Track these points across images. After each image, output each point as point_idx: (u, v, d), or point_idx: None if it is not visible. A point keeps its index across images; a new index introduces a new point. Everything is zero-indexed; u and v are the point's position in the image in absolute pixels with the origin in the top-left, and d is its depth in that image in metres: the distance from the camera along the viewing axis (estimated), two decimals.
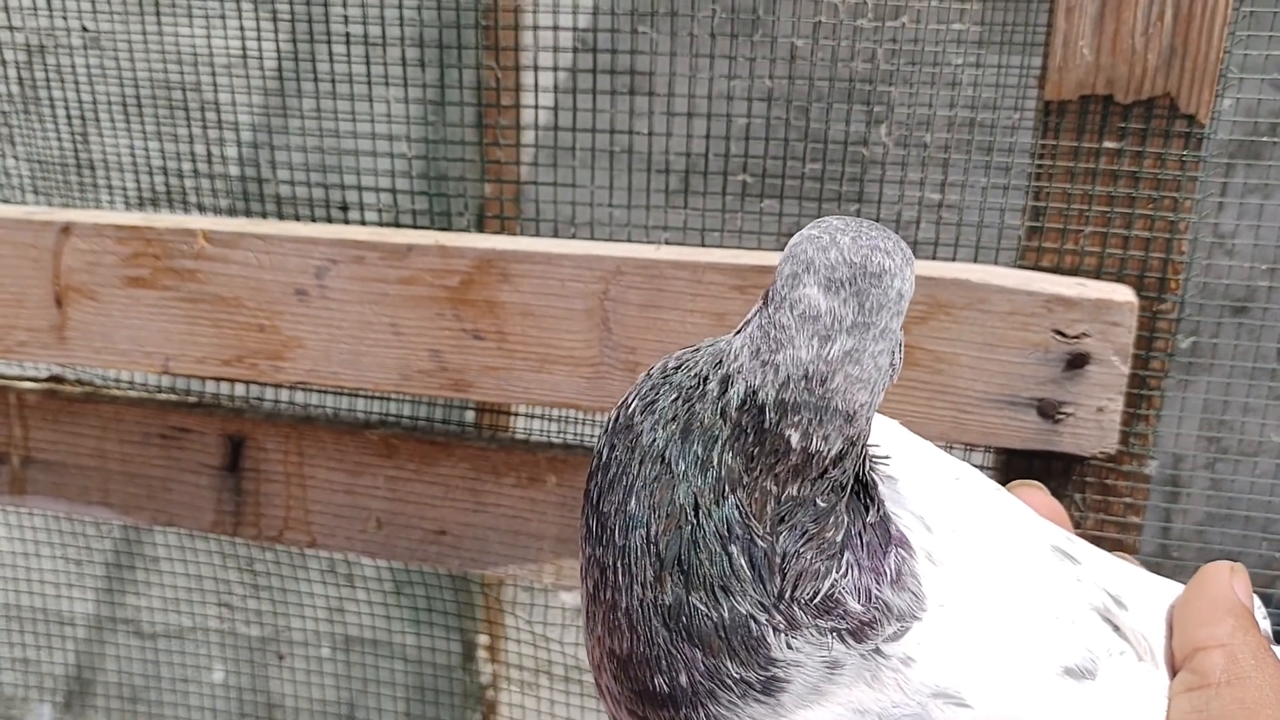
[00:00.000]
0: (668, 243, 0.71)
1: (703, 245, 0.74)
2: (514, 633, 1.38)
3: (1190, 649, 0.32)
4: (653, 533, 0.30)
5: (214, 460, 0.75)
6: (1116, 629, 0.32)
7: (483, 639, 1.51)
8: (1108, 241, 0.63)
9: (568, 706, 1.32)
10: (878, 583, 0.30)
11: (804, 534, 0.29)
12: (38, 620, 1.63)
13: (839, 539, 0.29)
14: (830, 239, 0.30)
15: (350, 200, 0.85)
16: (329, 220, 0.85)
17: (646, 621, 0.30)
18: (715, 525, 0.29)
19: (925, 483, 0.33)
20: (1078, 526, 0.66)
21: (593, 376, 0.67)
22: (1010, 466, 0.66)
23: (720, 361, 0.30)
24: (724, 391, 0.29)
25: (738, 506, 0.29)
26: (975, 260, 0.68)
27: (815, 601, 0.29)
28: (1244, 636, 0.32)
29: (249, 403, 0.79)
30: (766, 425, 0.29)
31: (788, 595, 0.29)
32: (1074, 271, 0.63)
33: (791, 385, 0.29)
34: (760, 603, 0.29)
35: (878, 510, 0.31)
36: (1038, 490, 0.38)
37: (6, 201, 1.00)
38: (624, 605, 0.30)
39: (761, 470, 0.29)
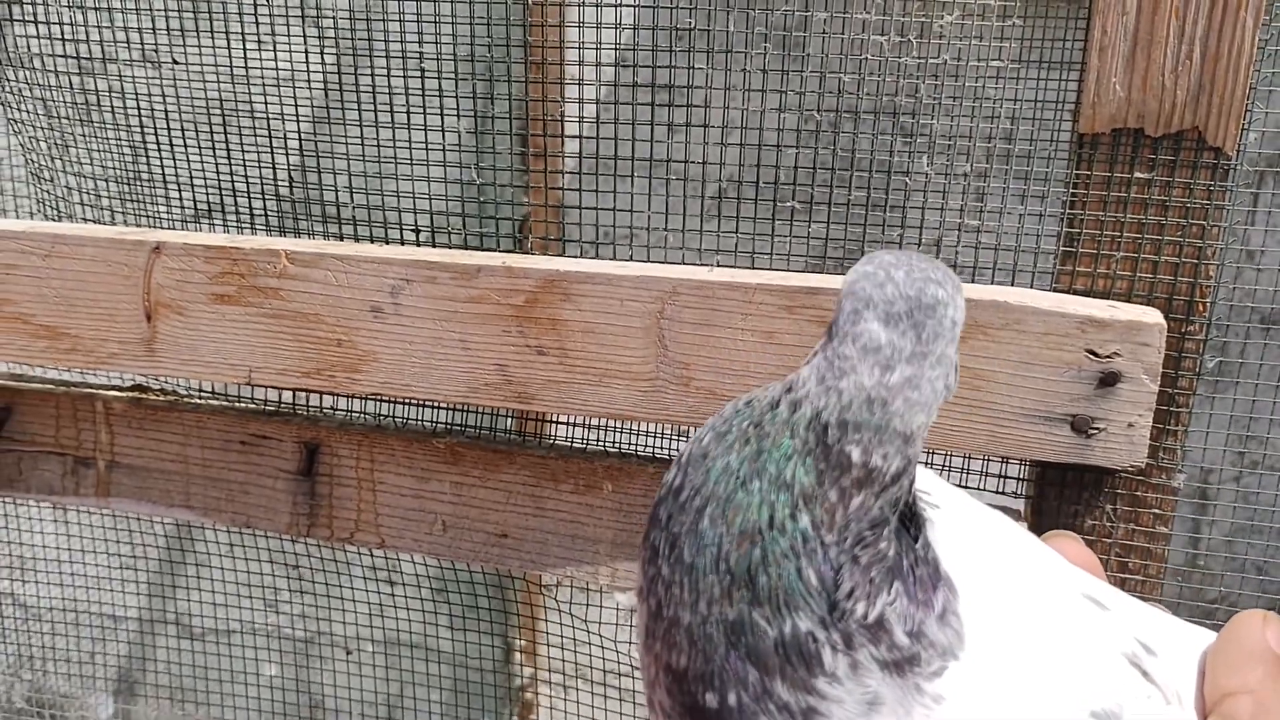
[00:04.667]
0: (719, 264, 0.75)
1: (752, 267, 0.78)
2: (552, 635, 1.42)
3: (1219, 695, 0.33)
4: (724, 550, 0.31)
5: (290, 466, 0.80)
6: (1145, 674, 0.33)
7: (520, 641, 1.55)
8: (1138, 266, 0.67)
9: (595, 708, 1.36)
10: (925, 616, 0.31)
11: (860, 541, 0.30)
12: (92, 617, 1.69)
13: (891, 554, 0.31)
14: (885, 275, 0.32)
15: (391, 220, 0.90)
16: (369, 228, 0.90)
17: (707, 636, 0.30)
18: (789, 539, 0.30)
19: (958, 527, 0.35)
20: (1108, 536, 0.70)
21: (648, 390, 0.71)
22: (1044, 479, 0.70)
23: (790, 388, 0.32)
24: (793, 413, 0.31)
25: (811, 521, 0.30)
26: (1012, 283, 0.72)
27: (869, 622, 0.30)
28: (1273, 684, 0.32)
29: (323, 412, 0.84)
30: (830, 443, 0.30)
31: (845, 608, 0.30)
32: (1106, 295, 0.67)
33: (854, 407, 0.30)
34: (821, 619, 0.30)
35: (925, 544, 0.32)
36: (1071, 540, 0.40)
37: (70, 218, 1.06)
38: (686, 621, 0.31)
39: (829, 483, 0.30)
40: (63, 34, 0.94)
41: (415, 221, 0.88)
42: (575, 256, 0.86)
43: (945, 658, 0.31)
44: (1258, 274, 1.32)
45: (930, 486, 0.36)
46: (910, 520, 0.33)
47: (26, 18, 0.94)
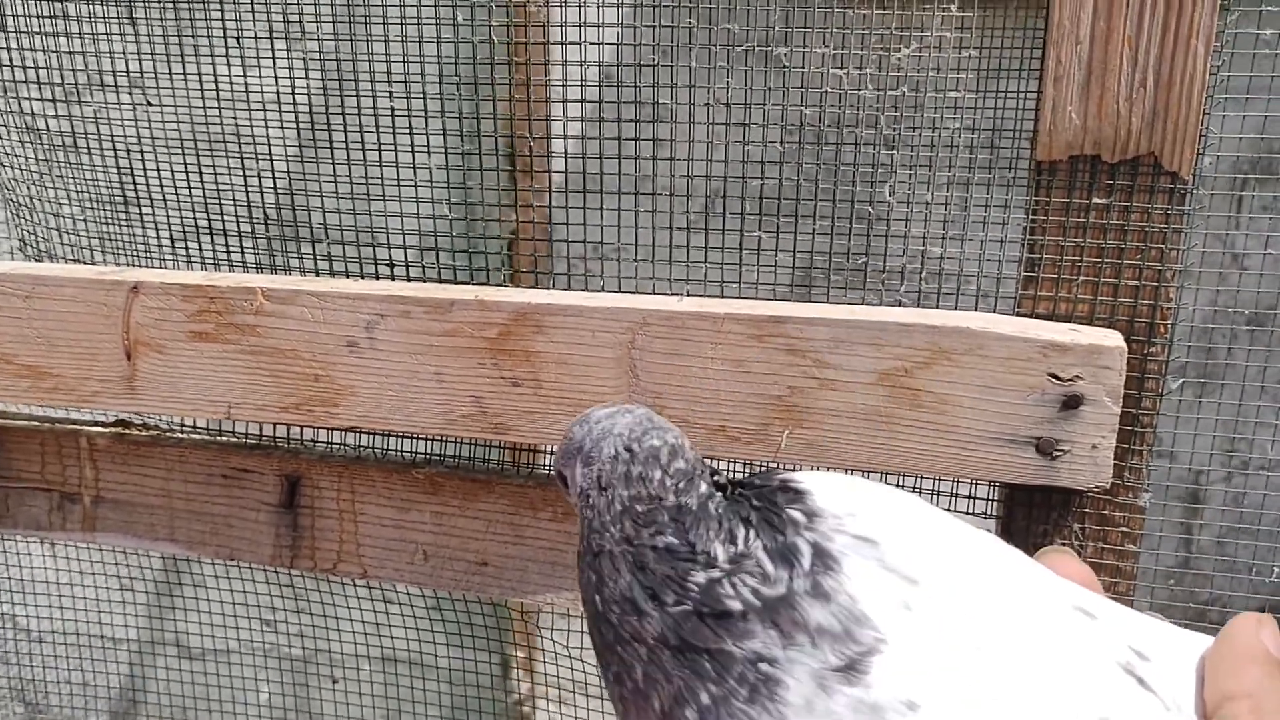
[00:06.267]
0: (689, 294, 0.76)
1: (721, 295, 0.79)
2: (550, 651, 1.43)
3: (1219, 699, 0.33)
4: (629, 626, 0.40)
5: (272, 498, 0.81)
6: (1141, 681, 0.33)
7: (517, 654, 1.56)
8: (1099, 290, 0.68)
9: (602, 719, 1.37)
10: (765, 575, 0.35)
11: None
12: (90, 640, 1.70)
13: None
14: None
15: (379, 245, 0.91)
16: (358, 248, 0.91)
17: (661, 665, 0.36)
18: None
19: (917, 545, 0.35)
20: (1077, 555, 0.71)
21: None
22: (1013, 499, 0.71)
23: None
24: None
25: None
26: (976, 308, 0.73)
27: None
28: (1271, 684, 0.33)
29: (304, 444, 0.85)
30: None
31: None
32: (1067, 318, 0.68)
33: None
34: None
35: (784, 532, 0.37)
36: (1066, 556, 0.40)
37: (51, 256, 1.07)
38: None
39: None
40: (40, 66, 0.95)
41: (404, 244, 0.89)
42: (561, 275, 0.87)
43: (852, 632, 0.33)
44: (1241, 276, 1.33)
45: (890, 508, 0.37)
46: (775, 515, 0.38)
47: (8, 53, 0.95)
